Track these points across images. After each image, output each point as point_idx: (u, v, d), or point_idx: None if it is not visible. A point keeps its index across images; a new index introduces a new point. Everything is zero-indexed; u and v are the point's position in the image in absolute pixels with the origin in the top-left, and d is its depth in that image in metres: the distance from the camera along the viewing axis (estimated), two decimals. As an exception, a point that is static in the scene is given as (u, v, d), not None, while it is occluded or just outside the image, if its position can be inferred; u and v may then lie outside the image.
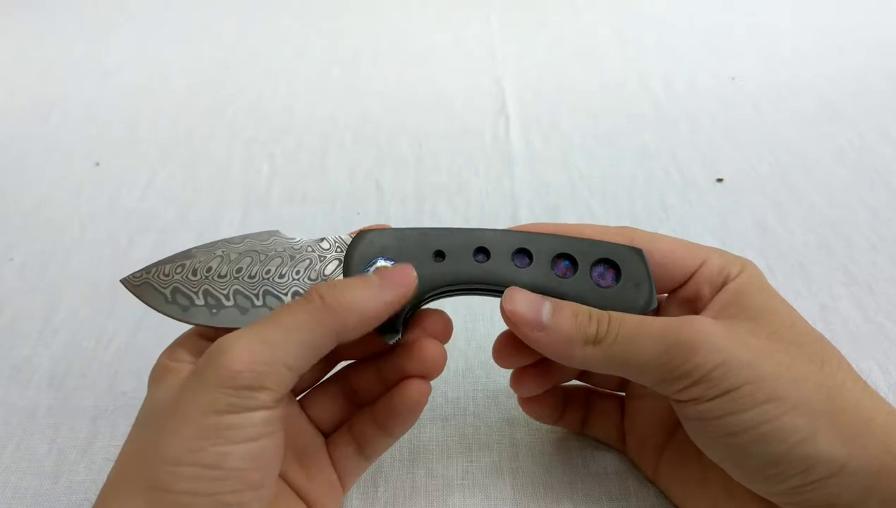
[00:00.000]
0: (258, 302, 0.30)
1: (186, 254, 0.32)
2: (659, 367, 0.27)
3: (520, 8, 0.89)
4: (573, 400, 0.37)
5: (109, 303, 0.49)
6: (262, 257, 0.31)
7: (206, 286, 0.31)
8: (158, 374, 0.29)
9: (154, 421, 0.27)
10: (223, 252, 0.31)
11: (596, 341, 0.28)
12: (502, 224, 0.54)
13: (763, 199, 0.56)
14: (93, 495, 0.37)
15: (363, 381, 0.34)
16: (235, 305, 0.30)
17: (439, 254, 0.31)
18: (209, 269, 0.31)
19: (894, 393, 0.41)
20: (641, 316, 0.29)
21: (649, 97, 0.71)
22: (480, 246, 0.31)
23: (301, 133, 0.67)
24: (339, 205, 0.58)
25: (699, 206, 0.56)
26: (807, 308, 0.43)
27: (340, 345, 0.28)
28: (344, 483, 0.34)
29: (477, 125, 0.67)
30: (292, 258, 0.31)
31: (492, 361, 0.33)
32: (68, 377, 0.44)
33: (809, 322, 0.30)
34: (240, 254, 0.31)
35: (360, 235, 0.32)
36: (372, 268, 0.31)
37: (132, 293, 0.31)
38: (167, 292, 0.31)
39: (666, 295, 0.33)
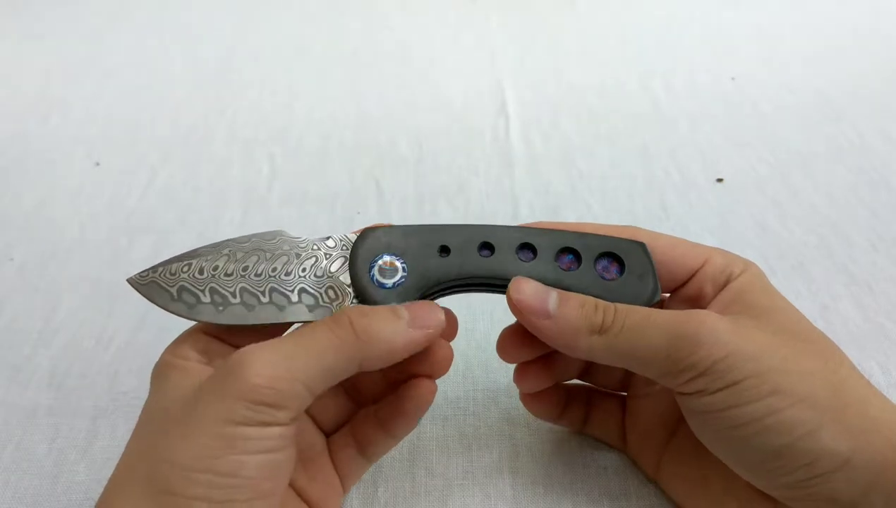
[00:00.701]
0: (264, 299, 0.30)
1: (193, 253, 0.32)
2: (664, 359, 0.27)
3: (520, 8, 0.89)
4: (575, 399, 0.37)
5: (109, 303, 0.49)
6: (269, 255, 0.31)
7: (213, 284, 0.31)
8: (162, 371, 0.29)
9: (162, 422, 0.27)
10: (230, 251, 0.31)
11: (602, 330, 0.28)
12: (502, 223, 0.54)
13: (763, 199, 0.56)
14: (93, 495, 0.37)
15: (367, 380, 0.34)
16: (242, 302, 0.30)
17: (444, 250, 0.31)
18: (216, 268, 0.31)
19: (895, 393, 0.41)
20: (647, 308, 0.29)
21: (649, 97, 0.71)
22: (485, 241, 0.31)
23: (301, 133, 0.67)
24: (340, 205, 0.58)
25: (699, 206, 0.56)
26: (807, 308, 0.43)
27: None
28: (344, 484, 0.34)
29: (477, 125, 0.67)
30: (298, 256, 0.31)
31: (492, 361, 0.33)
32: (68, 377, 0.44)
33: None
34: (246, 252, 0.31)
35: (365, 232, 0.32)
36: (377, 265, 0.31)
37: (139, 292, 0.31)
38: (174, 290, 0.31)
39: (668, 294, 0.33)
